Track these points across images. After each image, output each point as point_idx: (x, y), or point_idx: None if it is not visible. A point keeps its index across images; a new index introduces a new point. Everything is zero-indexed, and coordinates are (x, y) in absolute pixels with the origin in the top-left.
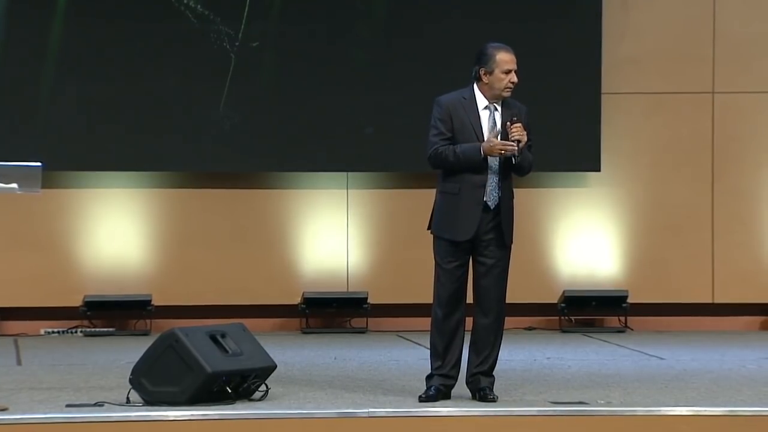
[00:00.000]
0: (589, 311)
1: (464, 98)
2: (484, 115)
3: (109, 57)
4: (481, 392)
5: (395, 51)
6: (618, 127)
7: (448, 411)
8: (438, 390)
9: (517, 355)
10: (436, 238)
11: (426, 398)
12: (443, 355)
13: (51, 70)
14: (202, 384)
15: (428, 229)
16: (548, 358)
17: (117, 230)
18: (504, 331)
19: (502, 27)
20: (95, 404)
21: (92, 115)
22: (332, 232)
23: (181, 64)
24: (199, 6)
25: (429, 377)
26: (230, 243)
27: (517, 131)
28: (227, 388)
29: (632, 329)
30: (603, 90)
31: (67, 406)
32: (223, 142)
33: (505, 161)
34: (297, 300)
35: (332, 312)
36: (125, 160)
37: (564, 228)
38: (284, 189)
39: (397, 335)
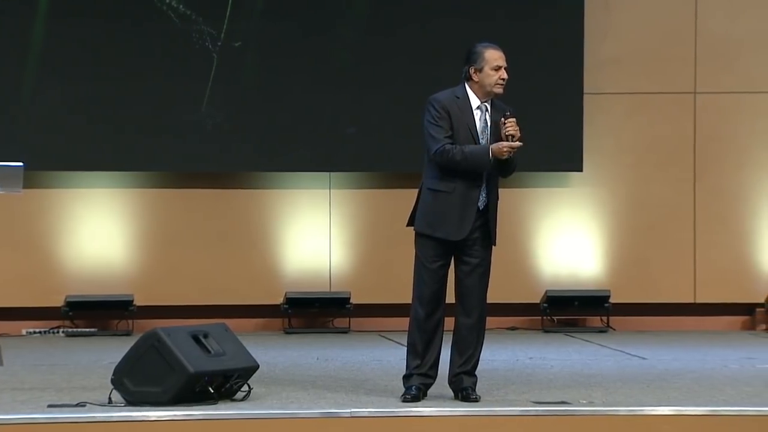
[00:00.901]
0: (571, 311)
1: (457, 97)
2: (477, 115)
3: (91, 57)
4: (464, 392)
5: (378, 51)
6: (600, 127)
7: (430, 411)
8: (419, 389)
9: (500, 355)
10: (422, 236)
11: (411, 398)
12: (423, 355)
13: (33, 70)
14: (184, 384)
15: (409, 225)
16: (530, 358)
17: (99, 230)
18: (486, 331)
19: (484, 26)
20: (77, 404)
21: (74, 115)
22: (315, 232)
23: (163, 63)
24: (181, 6)
25: (407, 377)
26: (213, 243)
27: (512, 126)
28: (209, 389)
29: (614, 329)
30: (585, 90)
31: (49, 406)
32: (205, 141)
33: (498, 164)
34: (279, 300)
35: (315, 312)
36: (107, 160)
37: (546, 228)
38: (267, 189)
39: (380, 335)
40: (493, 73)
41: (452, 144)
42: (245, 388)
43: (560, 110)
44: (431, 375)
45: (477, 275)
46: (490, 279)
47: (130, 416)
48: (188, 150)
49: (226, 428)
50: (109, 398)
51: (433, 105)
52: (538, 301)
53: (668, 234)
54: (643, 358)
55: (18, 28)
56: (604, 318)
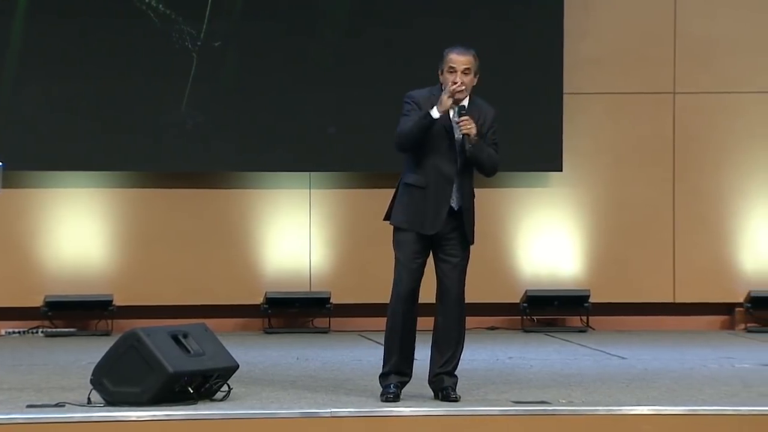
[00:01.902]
0: (551, 311)
1: (433, 95)
2: (450, 113)
3: (71, 56)
4: (444, 392)
5: (358, 50)
6: (579, 127)
7: (410, 411)
8: (397, 387)
9: (480, 355)
10: (398, 231)
11: (392, 398)
12: (399, 353)
13: (12, 70)
14: (163, 384)
15: (386, 219)
16: (510, 357)
17: (78, 230)
18: (466, 331)
19: (464, 26)
20: (56, 405)
21: (53, 114)
22: (295, 232)
23: (142, 63)
24: (161, 5)
25: (384, 375)
26: (192, 243)
27: (464, 125)
28: (189, 389)
29: (594, 329)
30: (564, 90)
31: (28, 406)
32: (185, 141)
33: (465, 164)
34: (259, 300)
35: (295, 312)
36: (87, 159)
37: (526, 228)
38: (247, 189)
39: (360, 335)
40: (448, 76)
41: None
42: (225, 388)
43: (540, 110)
44: (407, 373)
45: (455, 274)
46: (468, 278)
47: (110, 416)
48: (168, 150)
49: (206, 428)
50: (89, 398)
51: (406, 99)
52: (518, 301)
53: (648, 234)
54: (623, 358)
55: None
56: (584, 318)
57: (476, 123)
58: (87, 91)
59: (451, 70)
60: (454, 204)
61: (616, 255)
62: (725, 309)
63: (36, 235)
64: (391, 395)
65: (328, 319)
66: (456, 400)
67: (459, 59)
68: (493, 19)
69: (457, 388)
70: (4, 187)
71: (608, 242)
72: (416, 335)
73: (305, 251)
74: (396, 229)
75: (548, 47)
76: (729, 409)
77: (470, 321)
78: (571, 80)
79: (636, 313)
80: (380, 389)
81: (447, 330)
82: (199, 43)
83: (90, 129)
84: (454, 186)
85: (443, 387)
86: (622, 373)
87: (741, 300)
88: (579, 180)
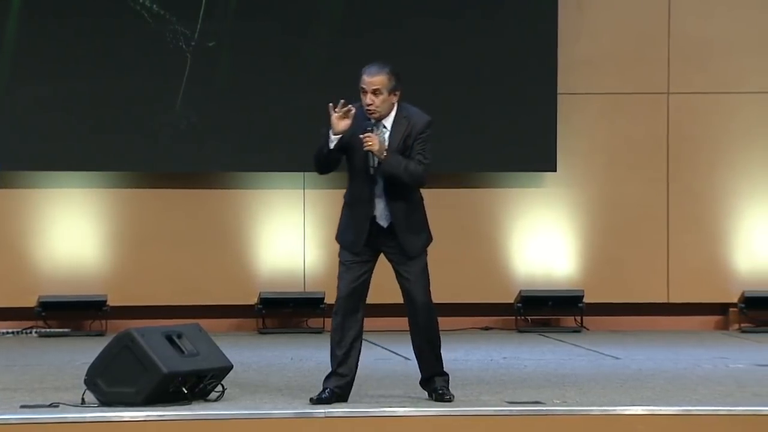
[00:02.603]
0: (545, 311)
1: (361, 108)
2: (375, 131)
3: (65, 56)
4: (437, 393)
5: (352, 50)
6: (574, 127)
7: (404, 411)
8: (332, 392)
9: (474, 355)
10: (340, 246)
11: (315, 400)
12: (338, 355)
13: (5, 70)
14: (157, 384)
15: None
16: (504, 357)
17: (72, 230)
18: (460, 331)
19: (458, 27)
20: (50, 405)
21: (47, 114)
22: (289, 232)
23: (137, 63)
24: (155, 6)
25: (327, 377)
26: (186, 243)
27: (366, 142)
28: (183, 389)
29: (588, 329)
30: (559, 90)
31: (22, 406)
32: (179, 141)
33: (387, 178)
34: (254, 300)
35: (289, 312)
36: (80, 159)
37: (520, 228)
38: (241, 189)
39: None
40: (361, 95)
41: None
42: (219, 388)
43: (534, 110)
44: (345, 374)
45: (413, 284)
46: (463, 278)
47: (104, 417)
48: (162, 150)
49: (200, 428)
50: (83, 399)
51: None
52: (512, 301)
53: (642, 234)
54: (617, 358)
55: None
56: (578, 318)
57: (402, 137)
58: (81, 92)
59: (363, 90)
60: (383, 222)
61: (610, 255)
62: (719, 309)
63: (30, 235)
64: (315, 399)
65: (322, 319)
66: (450, 400)
67: (368, 80)
68: (487, 19)
69: (451, 387)
70: None
71: (602, 242)
72: (362, 336)
73: (299, 251)
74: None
75: (542, 48)
76: (723, 409)
77: (464, 321)
78: (565, 81)
79: (630, 313)
80: (376, 391)
81: (420, 336)
82: (193, 44)
83: (84, 129)
84: (380, 203)
85: (435, 388)
86: (616, 373)
87: (735, 300)
88: (573, 180)
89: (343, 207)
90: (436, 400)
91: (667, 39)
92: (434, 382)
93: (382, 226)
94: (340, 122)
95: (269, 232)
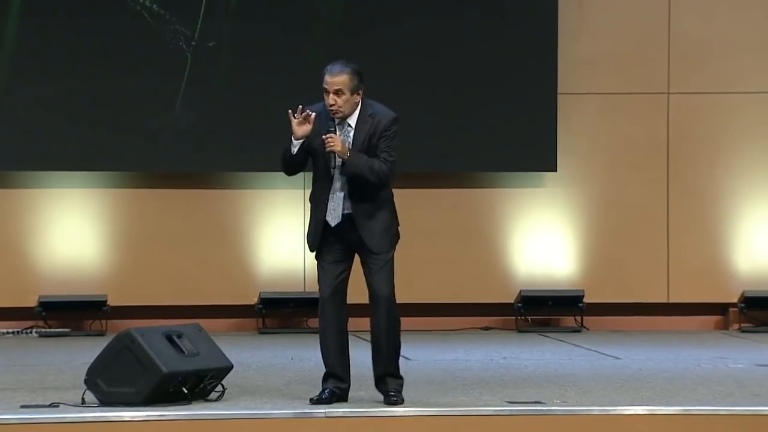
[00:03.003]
0: (545, 311)
1: (325, 108)
2: (338, 130)
3: (65, 56)
4: (387, 395)
5: (351, 51)
6: (574, 127)
7: (404, 411)
8: (332, 393)
9: (474, 355)
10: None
11: (315, 400)
12: (329, 354)
13: (5, 70)
14: (157, 384)
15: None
16: (505, 357)
17: (72, 230)
18: (459, 331)
19: (457, 27)
20: (50, 405)
21: (47, 114)
22: (289, 232)
23: (137, 63)
24: (155, 6)
25: (324, 378)
26: (186, 243)
27: (327, 143)
28: (183, 389)
29: (588, 329)
30: (559, 90)
31: (22, 407)
32: (179, 141)
33: (349, 178)
34: (254, 300)
35: (289, 312)
36: (80, 159)
37: (520, 228)
38: (241, 189)
39: (354, 335)
40: (324, 95)
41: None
42: (219, 388)
43: (534, 110)
44: (343, 378)
45: (376, 276)
46: (462, 278)
47: (104, 417)
48: (162, 150)
49: (200, 428)
50: (83, 399)
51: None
52: (512, 301)
53: (642, 234)
54: (617, 358)
55: None
56: (578, 318)
57: (366, 136)
58: (81, 92)
59: (325, 90)
60: (332, 220)
61: (610, 255)
62: (719, 309)
63: (30, 235)
64: (315, 399)
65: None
66: (399, 402)
67: (330, 80)
68: (487, 19)
69: (452, 387)
70: None
71: (602, 242)
72: (349, 337)
73: (300, 251)
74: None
75: (542, 47)
76: (723, 409)
77: (464, 321)
78: (565, 80)
79: (630, 313)
80: (376, 391)
81: (380, 330)
82: (193, 43)
83: (84, 129)
84: (332, 203)
85: (387, 389)
86: (616, 373)
87: (735, 300)
88: (573, 180)
89: (311, 207)
90: (386, 402)
91: (668, 39)
92: (387, 383)
93: (330, 224)
94: (300, 128)
95: (269, 232)
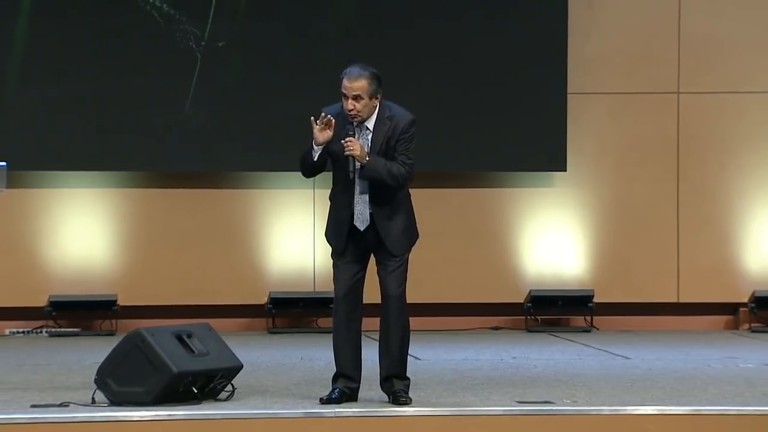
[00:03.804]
0: (555, 311)
1: (342, 111)
2: (357, 133)
3: (75, 56)
4: (395, 395)
5: (361, 51)
6: (583, 127)
7: (414, 411)
8: (342, 392)
9: (483, 355)
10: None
11: (326, 400)
12: (343, 354)
13: (16, 70)
14: (167, 384)
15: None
16: (514, 357)
17: (82, 230)
18: (468, 331)
19: (467, 26)
20: (60, 405)
21: (57, 114)
22: (299, 232)
23: (147, 63)
24: (165, 5)
25: (334, 377)
26: (196, 243)
27: (347, 147)
28: (193, 389)
29: (598, 329)
30: (569, 90)
31: (32, 406)
32: (189, 141)
33: (372, 182)
34: (263, 300)
35: (299, 312)
36: (90, 159)
37: (530, 228)
38: (250, 189)
39: (364, 335)
40: (342, 100)
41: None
42: (229, 388)
43: (544, 110)
44: (353, 378)
45: (390, 276)
46: (472, 278)
47: (114, 416)
48: (172, 150)
49: (210, 428)
50: (93, 398)
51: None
52: (522, 301)
53: (651, 233)
54: (627, 358)
55: (1, 27)
56: (588, 318)
57: (384, 138)
58: (91, 92)
59: (344, 95)
60: (359, 224)
61: (620, 255)
62: (729, 309)
63: (40, 235)
64: (325, 398)
65: (332, 319)
66: (407, 403)
67: (348, 86)
68: (497, 19)
69: (462, 386)
70: (8, 187)
71: (612, 242)
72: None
73: (309, 251)
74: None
75: (552, 47)
76: (733, 409)
77: (474, 321)
78: (575, 80)
79: (640, 313)
80: (381, 392)
81: (389, 329)
82: (203, 43)
83: (93, 129)
84: (358, 207)
85: (394, 390)
86: (626, 373)
87: (745, 300)
88: (583, 180)
89: (330, 205)
90: (393, 402)
91: (677, 38)
92: (393, 383)
93: (359, 228)
94: (321, 134)
95: (279, 231)
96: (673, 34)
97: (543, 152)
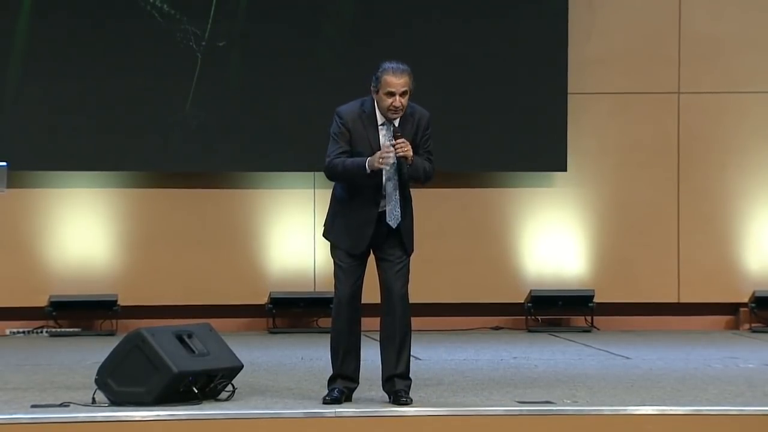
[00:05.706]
0: (555, 311)
1: (364, 111)
2: (381, 132)
3: (75, 56)
4: (396, 395)
5: (362, 50)
6: (584, 127)
7: (415, 411)
8: (341, 392)
9: (484, 355)
10: (334, 246)
11: (329, 401)
12: (343, 357)
13: (16, 69)
14: (168, 384)
15: (323, 236)
16: (515, 357)
17: (83, 230)
18: (468, 331)
19: (468, 26)
20: (61, 405)
21: (57, 114)
22: (299, 232)
23: (147, 63)
24: (165, 5)
25: (332, 379)
26: (197, 243)
27: (399, 148)
28: (194, 388)
29: (598, 329)
30: (569, 90)
31: (33, 406)
32: (189, 141)
33: (400, 178)
34: (264, 300)
35: (299, 312)
36: (91, 159)
37: (530, 228)
38: (251, 189)
39: (364, 335)
40: (385, 98)
41: (340, 157)
42: (229, 388)
43: (544, 110)
44: (353, 378)
45: (396, 271)
46: (473, 278)
47: (114, 416)
48: (172, 150)
49: (211, 428)
50: (93, 398)
51: (336, 119)
52: (523, 301)
53: (652, 234)
54: (627, 358)
55: (1, 27)
56: (588, 318)
57: (411, 135)
58: (91, 91)
59: (390, 93)
60: (392, 222)
61: (620, 255)
62: (730, 309)
63: (40, 235)
64: (328, 398)
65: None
66: (407, 403)
67: (397, 82)
68: (498, 19)
69: (463, 387)
70: (8, 187)
71: (613, 242)
72: (362, 337)
73: (310, 251)
74: (332, 245)
75: (553, 47)
76: (733, 409)
77: (474, 321)
78: (575, 80)
79: (640, 313)
80: (382, 392)
81: (392, 329)
82: (203, 43)
83: (94, 129)
84: (390, 205)
85: (395, 390)
86: (626, 373)
87: (746, 300)
88: (583, 180)
89: (337, 204)
90: (394, 402)
91: (678, 38)
92: (394, 383)
93: (391, 227)
94: (380, 165)
95: (279, 231)
96: (674, 34)
97: (543, 152)
